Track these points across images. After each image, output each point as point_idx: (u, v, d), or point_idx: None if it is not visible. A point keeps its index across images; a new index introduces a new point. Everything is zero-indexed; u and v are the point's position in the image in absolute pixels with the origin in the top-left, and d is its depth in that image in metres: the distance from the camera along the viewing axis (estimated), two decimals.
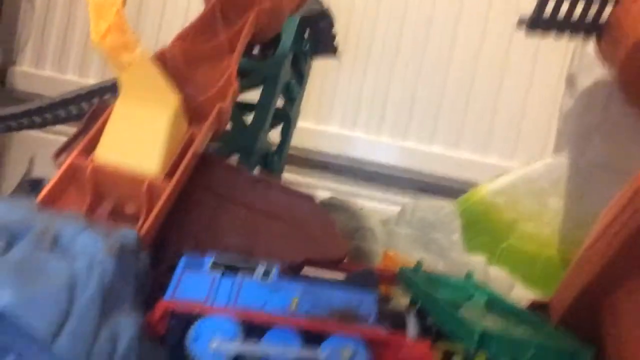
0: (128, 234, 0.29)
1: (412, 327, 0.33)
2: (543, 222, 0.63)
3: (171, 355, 0.30)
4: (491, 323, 0.35)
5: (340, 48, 0.70)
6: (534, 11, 0.49)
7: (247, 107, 0.57)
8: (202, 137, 0.37)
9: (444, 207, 0.63)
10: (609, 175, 0.60)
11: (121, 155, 0.34)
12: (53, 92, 0.70)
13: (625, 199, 0.32)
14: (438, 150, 1.02)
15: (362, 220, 0.64)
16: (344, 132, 1.03)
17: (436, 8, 0.98)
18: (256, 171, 0.56)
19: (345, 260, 0.41)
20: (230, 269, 0.33)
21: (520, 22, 0.50)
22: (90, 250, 0.25)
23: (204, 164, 0.41)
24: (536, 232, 0.63)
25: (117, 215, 0.35)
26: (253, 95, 0.57)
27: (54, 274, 0.23)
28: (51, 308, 0.21)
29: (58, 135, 0.82)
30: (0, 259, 0.22)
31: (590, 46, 0.55)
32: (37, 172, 0.79)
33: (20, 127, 0.67)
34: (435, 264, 0.58)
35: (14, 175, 0.88)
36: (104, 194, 0.35)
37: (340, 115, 1.04)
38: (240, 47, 0.44)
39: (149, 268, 0.32)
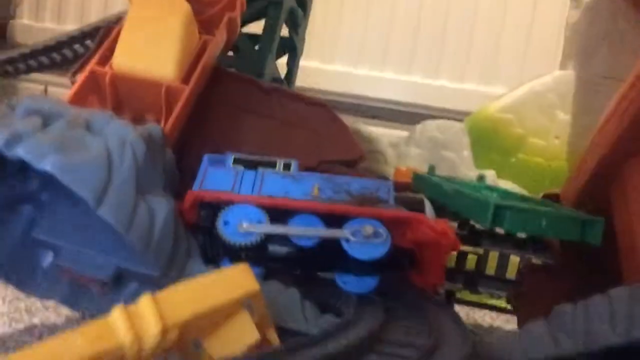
0: (154, 128, 0.30)
1: (429, 209, 0.34)
2: (551, 135, 0.64)
3: (203, 241, 0.31)
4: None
5: None
6: None
7: (254, 37, 0.57)
8: (215, 44, 0.38)
9: (453, 126, 0.64)
10: (617, 86, 0.60)
11: (138, 61, 0.34)
12: None
13: (633, 77, 0.33)
14: (443, 83, 1.02)
15: (372, 143, 0.65)
16: (349, 70, 1.03)
17: None
18: None
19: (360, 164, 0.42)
20: (252, 165, 0.34)
21: None
22: (121, 132, 0.26)
23: (219, 79, 0.41)
24: (545, 145, 0.64)
25: (138, 124, 0.36)
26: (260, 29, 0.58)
27: (91, 146, 0.24)
28: (93, 175, 0.23)
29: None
30: (39, 132, 0.23)
31: None
32: None
33: (5, 74, 0.67)
34: None
35: None
36: (123, 103, 0.36)
37: (344, 54, 1.03)
38: None
39: (175, 169, 0.33)
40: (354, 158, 0.40)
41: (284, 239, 0.31)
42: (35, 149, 0.22)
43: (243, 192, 0.32)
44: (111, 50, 0.35)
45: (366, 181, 0.34)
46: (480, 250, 0.48)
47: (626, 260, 0.31)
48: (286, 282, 0.31)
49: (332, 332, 0.21)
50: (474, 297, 0.53)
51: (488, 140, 0.64)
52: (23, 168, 0.30)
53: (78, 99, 0.34)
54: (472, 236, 0.47)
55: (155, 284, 0.26)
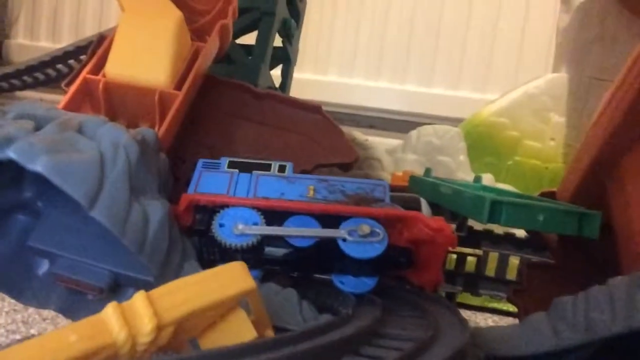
0: (147, 131, 0.30)
1: (425, 208, 0.34)
2: (546, 137, 0.64)
3: (198, 244, 0.31)
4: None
5: None
6: None
7: (247, 48, 0.58)
8: (207, 50, 0.38)
9: (449, 131, 0.64)
10: (608, 86, 0.61)
11: (130, 68, 0.35)
12: None
13: (626, 68, 0.33)
14: (438, 91, 1.02)
15: (368, 150, 0.65)
16: (343, 80, 1.04)
17: None
18: None
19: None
20: (246, 168, 0.34)
21: None
22: (114, 135, 0.26)
23: (212, 86, 0.42)
24: (540, 147, 0.64)
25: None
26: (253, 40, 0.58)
27: (84, 148, 0.24)
28: (86, 176, 0.22)
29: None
30: (31, 134, 0.23)
31: None
32: None
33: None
34: None
35: None
36: (117, 110, 0.36)
37: (338, 64, 1.04)
38: None
39: (170, 173, 0.33)
40: (349, 161, 0.40)
41: (280, 241, 0.31)
42: (27, 151, 0.22)
43: (238, 194, 0.32)
44: (104, 59, 0.35)
45: (361, 181, 0.33)
46: (480, 252, 0.47)
47: (624, 252, 0.31)
48: (284, 284, 0.30)
49: (327, 325, 0.21)
50: (475, 301, 0.52)
51: (483, 144, 0.64)
52: (18, 177, 0.30)
53: (71, 108, 0.34)
54: (471, 238, 0.47)
55: (152, 289, 0.25)
